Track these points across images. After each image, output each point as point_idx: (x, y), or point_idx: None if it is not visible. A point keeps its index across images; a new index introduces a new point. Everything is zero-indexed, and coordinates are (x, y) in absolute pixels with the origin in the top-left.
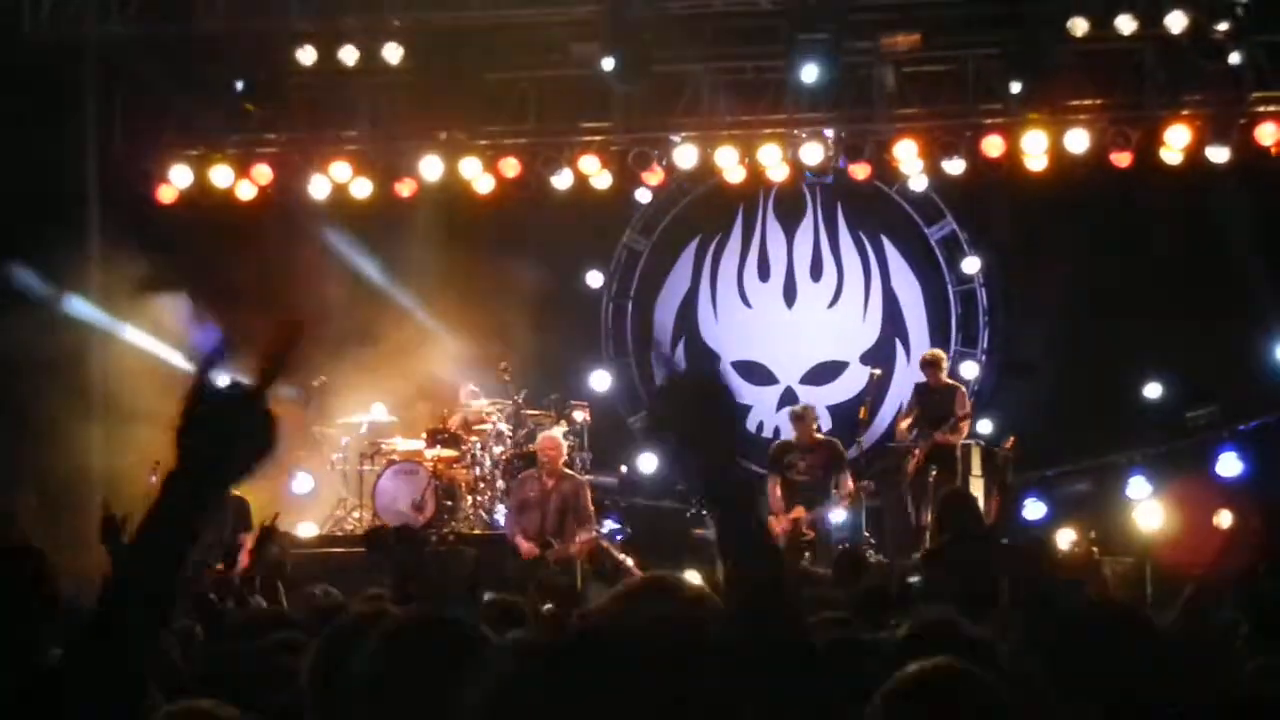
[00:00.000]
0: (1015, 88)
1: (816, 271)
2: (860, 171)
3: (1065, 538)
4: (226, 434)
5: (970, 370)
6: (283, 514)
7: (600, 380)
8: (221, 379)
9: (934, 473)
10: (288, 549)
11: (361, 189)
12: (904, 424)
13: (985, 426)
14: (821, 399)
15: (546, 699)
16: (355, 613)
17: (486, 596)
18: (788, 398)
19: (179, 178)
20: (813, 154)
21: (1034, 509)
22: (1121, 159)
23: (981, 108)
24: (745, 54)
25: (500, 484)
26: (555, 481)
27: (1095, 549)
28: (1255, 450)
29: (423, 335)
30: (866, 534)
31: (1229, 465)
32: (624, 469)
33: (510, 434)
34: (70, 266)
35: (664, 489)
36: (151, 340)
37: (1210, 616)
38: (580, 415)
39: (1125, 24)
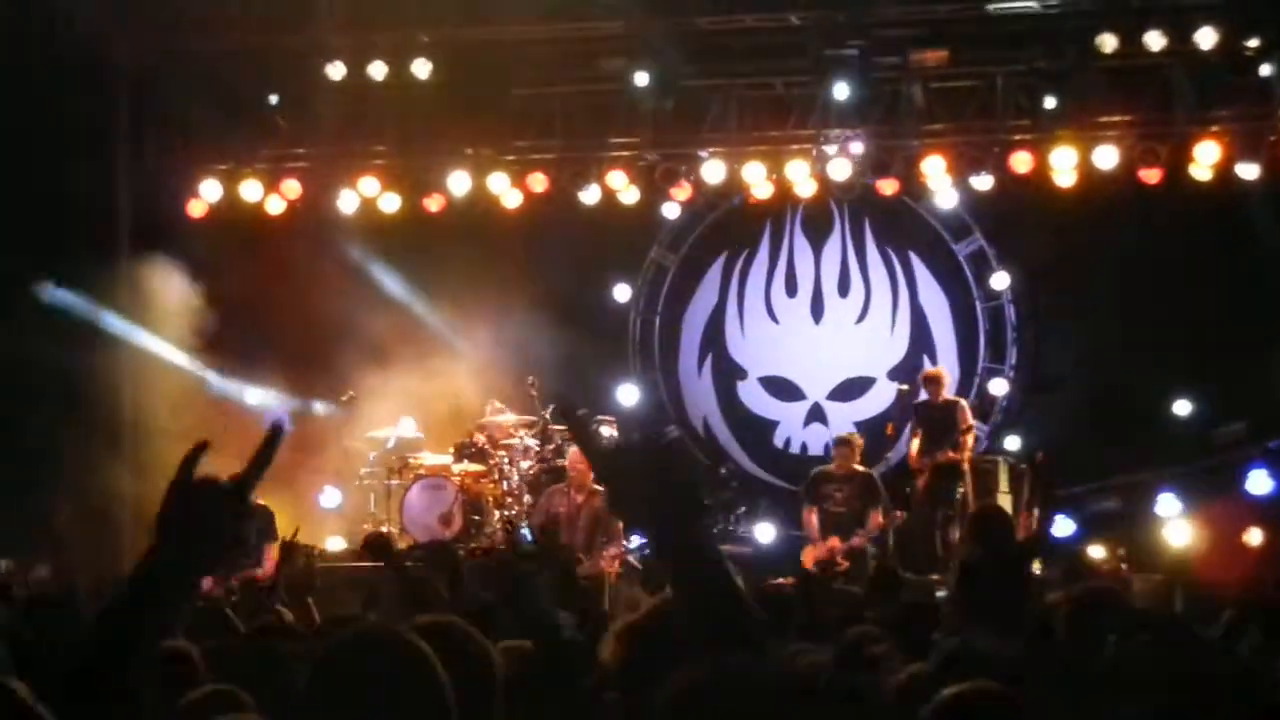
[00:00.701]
0: (1050, 103)
1: (844, 287)
2: (888, 187)
3: (1094, 555)
4: (202, 528)
5: (999, 387)
6: (311, 528)
7: (628, 395)
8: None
9: (960, 490)
10: (314, 562)
11: (390, 204)
12: (914, 450)
13: (1013, 443)
14: (849, 415)
15: None
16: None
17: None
18: (815, 413)
19: (209, 192)
20: (840, 170)
21: (1063, 526)
22: (1151, 175)
23: (1010, 123)
24: (773, 70)
25: (527, 499)
26: (585, 497)
27: (1124, 566)
28: None
29: (450, 350)
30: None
31: (1259, 483)
32: None
33: (538, 449)
34: (100, 281)
35: None
36: (179, 354)
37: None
38: (608, 430)
39: (1154, 40)
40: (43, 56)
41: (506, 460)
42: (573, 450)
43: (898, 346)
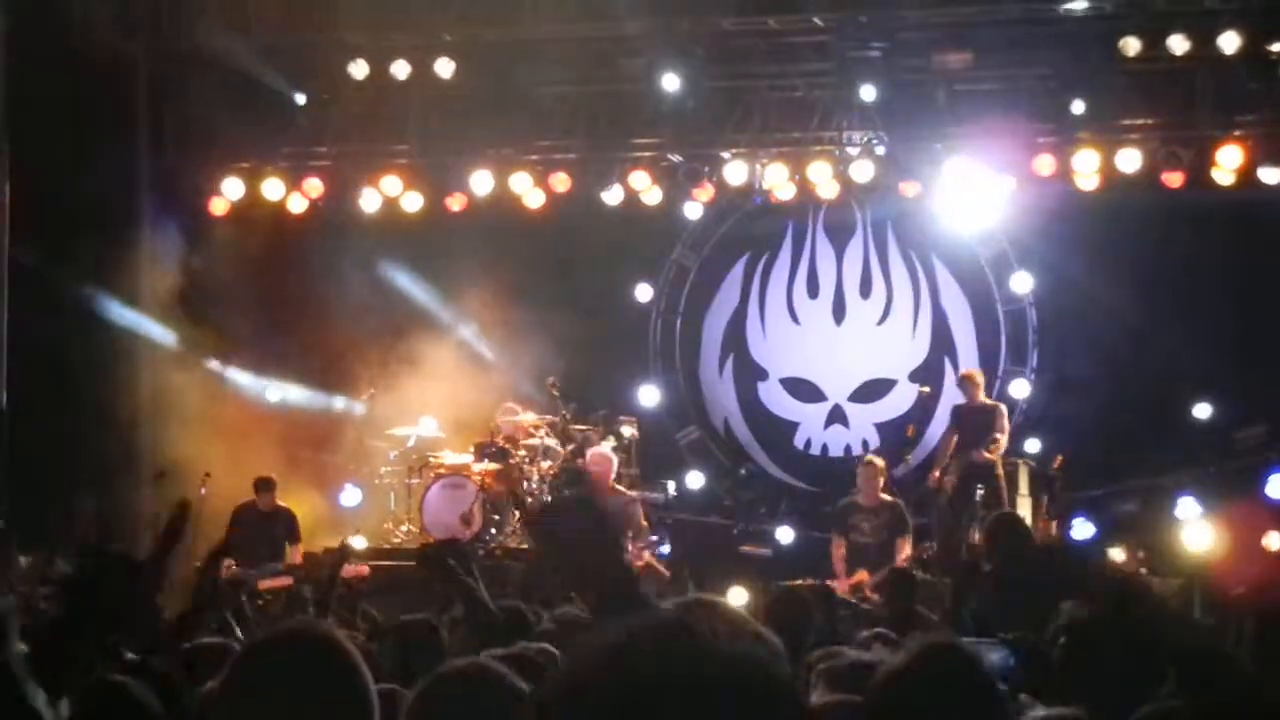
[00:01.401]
0: (1073, 106)
1: (866, 289)
2: (910, 189)
3: (1115, 557)
4: (103, 597)
5: (1020, 389)
6: (331, 526)
7: (648, 395)
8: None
9: (980, 491)
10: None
11: (412, 203)
12: (949, 451)
13: (1033, 445)
14: (870, 416)
15: None
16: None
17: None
18: (836, 414)
19: (231, 190)
20: (863, 172)
21: (1082, 529)
22: (1173, 179)
23: (1033, 126)
24: (796, 71)
25: (547, 498)
26: (604, 499)
27: (1144, 568)
28: None
29: (471, 349)
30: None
31: (1279, 487)
32: (671, 485)
33: (558, 448)
34: (122, 277)
35: (710, 505)
36: (200, 351)
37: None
38: (628, 430)
39: (1178, 44)
40: (65, 52)
41: (527, 460)
42: (592, 451)
43: (919, 348)
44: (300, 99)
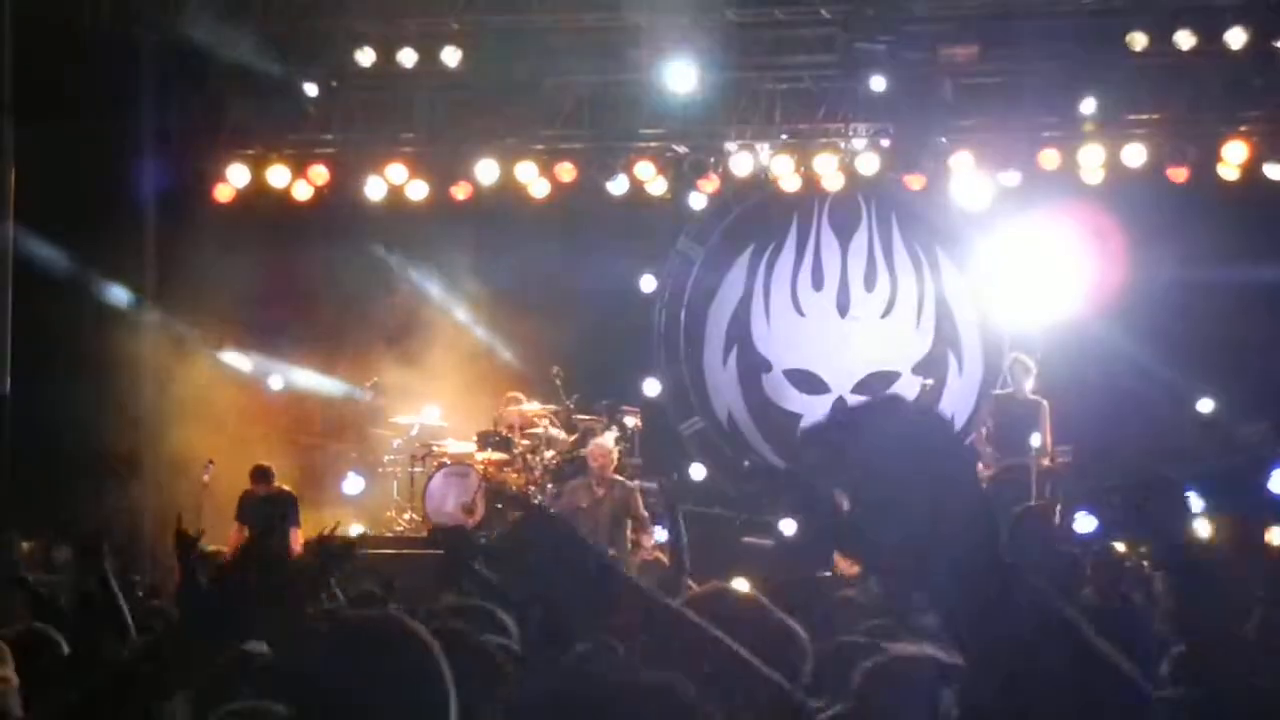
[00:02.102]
0: (1086, 104)
1: (870, 281)
2: (916, 182)
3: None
4: None
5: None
6: (334, 514)
7: (652, 386)
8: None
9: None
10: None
11: (417, 191)
12: (980, 441)
13: (1035, 440)
14: None
15: None
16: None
17: None
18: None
19: (236, 177)
20: (869, 164)
21: (1085, 523)
22: (1178, 174)
23: (1038, 120)
24: (802, 63)
25: (550, 488)
26: (606, 490)
27: (1146, 564)
28: None
29: (475, 338)
30: None
31: None
32: (674, 476)
33: (561, 438)
34: (126, 264)
35: (713, 496)
36: (203, 337)
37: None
38: (631, 421)
39: (1184, 39)
40: (71, 37)
41: (530, 449)
42: (594, 442)
43: (923, 341)
44: (307, 86)
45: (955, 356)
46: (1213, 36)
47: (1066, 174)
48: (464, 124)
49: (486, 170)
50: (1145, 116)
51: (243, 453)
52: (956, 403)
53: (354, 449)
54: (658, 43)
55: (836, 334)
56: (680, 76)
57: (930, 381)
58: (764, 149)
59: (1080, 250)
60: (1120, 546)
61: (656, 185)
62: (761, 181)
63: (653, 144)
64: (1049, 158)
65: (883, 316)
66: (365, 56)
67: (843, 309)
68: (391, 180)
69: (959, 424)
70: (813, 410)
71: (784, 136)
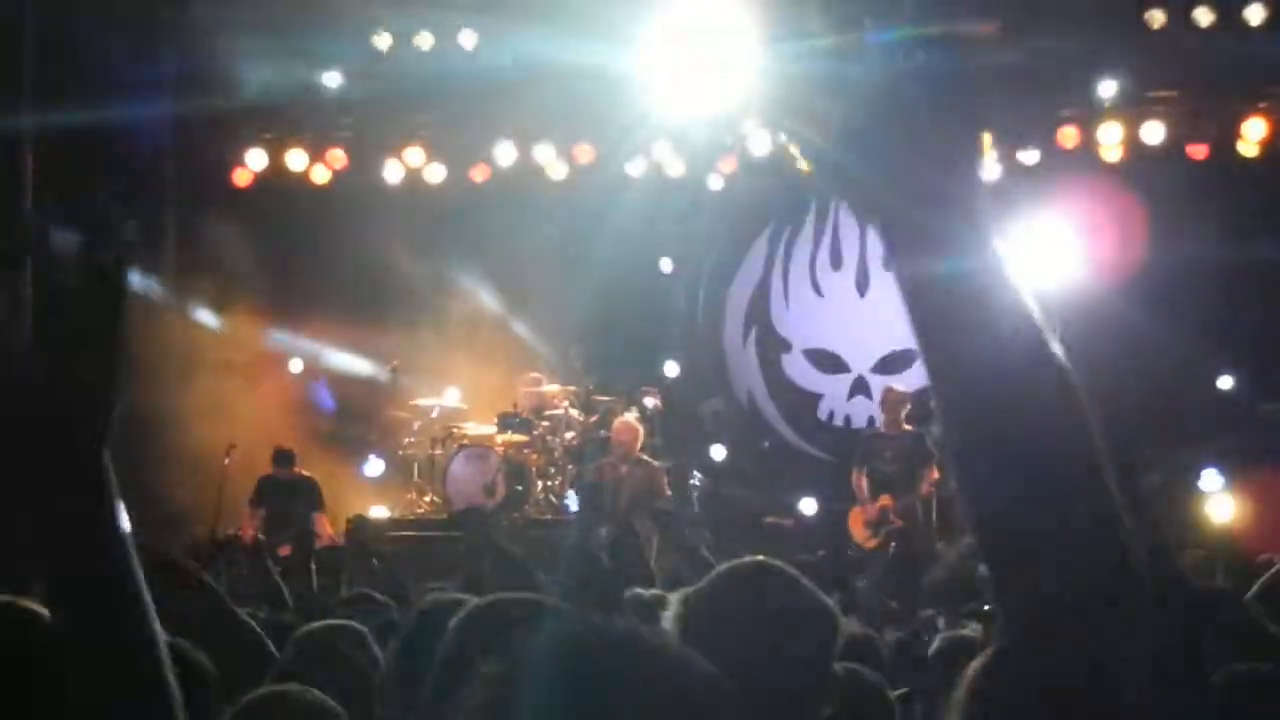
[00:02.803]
0: (1105, 84)
1: (889, 261)
2: None
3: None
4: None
5: None
6: (354, 496)
7: (671, 367)
8: None
9: None
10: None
11: (435, 174)
12: None
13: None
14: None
15: None
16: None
17: None
18: (859, 386)
19: (254, 161)
20: None
21: None
22: (1198, 151)
23: (1057, 98)
24: None
25: (570, 469)
26: (628, 468)
27: (1164, 543)
28: None
29: (495, 320)
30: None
31: None
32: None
33: (581, 419)
34: (146, 249)
35: (733, 476)
36: (223, 320)
37: None
38: (651, 402)
39: (1203, 16)
40: (89, 15)
41: (549, 430)
42: (620, 420)
43: None
44: (327, 76)
45: None
46: (1232, 13)
47: (1085, 151)
48: (481, 106)
49: (504, 152)
50: (1164, 93)
51: (263, 436)
52: None
53: (374, 432)
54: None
55: (856, 314)
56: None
57: None
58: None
59: (1098, 228)
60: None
61: (675, 166)
62: (780, 162)
63: (670, 125)
64: (1068, 135)
65: None
66: (382, 40)
67: (862, 288)
68: (409, 163)
69: None
70: (832, 390)
71: None
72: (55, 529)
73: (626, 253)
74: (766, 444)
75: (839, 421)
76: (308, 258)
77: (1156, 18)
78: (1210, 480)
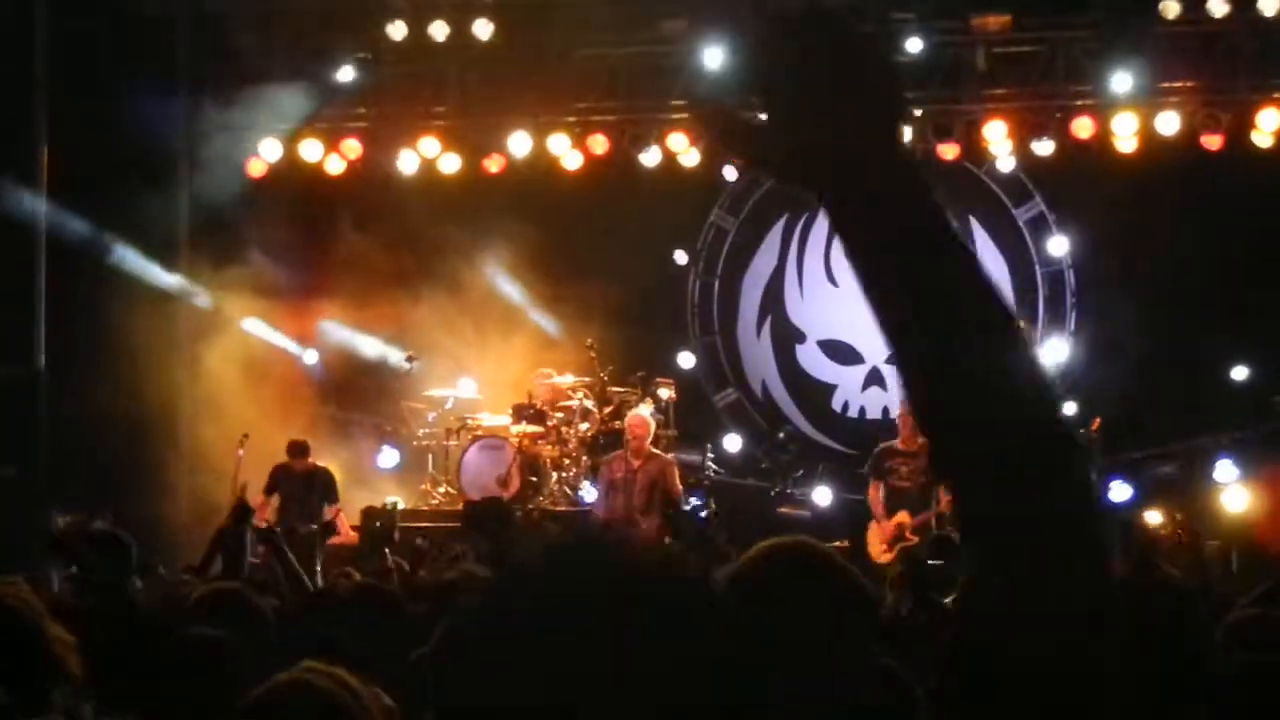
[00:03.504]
0: (1112, 69)
1: None
2: (949, 151)
3: (1152, 520)
4: None
5: (1058, 353)
6: (369, 487)
7: (686, 358)
8: None
9: None
10: (395, 522)
11: (450, 164)
12: None
13: (1070, 409)
14: None
15: None
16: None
17: None
18: (873, 377)
19: (269, 152)
20: (901, 133)
21: (1120, 491)
22: (1212, 141)
23: (1072, 89)
24: None
25: (585, 460)
26: (641, 462)
27: (1181, 532)
28: None
29: (510, 312)
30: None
31: None
32: (709, 449)
33: (595, 411)
34: (161, 240)
35: (748, 467)
36: (237, 310)
37: None
38: (666, 393)
39: (1218, 6)
40: (106, 11)
41: (565, 422)
42: (631, 414)
43: None
44: (342, 70)
45: None
46: (1246, 4)
47: (1100, 143)
48: (496, 97)
49: (519, 143)
50: (1179, 84)
51: (277, 427)
52: None
53: (389, 422)
54: (689, 14)
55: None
56: (715, 54)
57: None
58: None
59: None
60: (1156, 516)
61: (689, 157)
62: None
63: (685, 115)
64: (1083, 126)
65: None
66: (397, 30)
67: None
68: (424, 154)
69: None
70: (846, 380)
71: None
72: None
73: (641, 243)
74: (781, 435)
75: (853, 413)
76: (322, 248)
77: (1171, 8)
78: (1225, 471)
